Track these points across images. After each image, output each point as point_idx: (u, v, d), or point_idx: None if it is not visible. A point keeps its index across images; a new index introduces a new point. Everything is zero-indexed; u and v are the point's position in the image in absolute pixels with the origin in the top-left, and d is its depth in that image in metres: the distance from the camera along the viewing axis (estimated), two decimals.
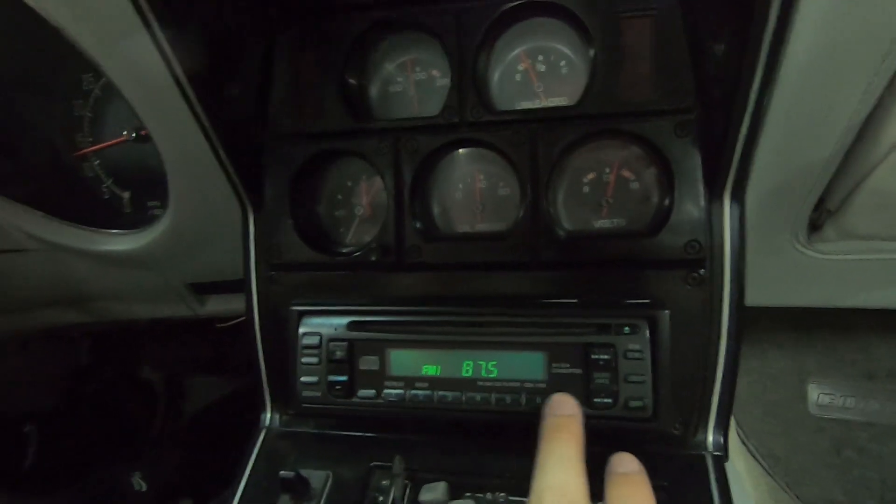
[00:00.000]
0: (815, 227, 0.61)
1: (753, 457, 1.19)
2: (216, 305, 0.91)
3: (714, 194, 0.51)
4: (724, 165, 0.49)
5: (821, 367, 1.23)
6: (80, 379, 1.19)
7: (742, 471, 1.14)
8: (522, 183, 0.55)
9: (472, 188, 0.60)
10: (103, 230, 0.73)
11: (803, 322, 1.20)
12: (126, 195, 0.78)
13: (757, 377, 1.22)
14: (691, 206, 0.51)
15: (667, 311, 0.49)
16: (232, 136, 0.56)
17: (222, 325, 1.05)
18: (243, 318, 0.69)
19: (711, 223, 0.51)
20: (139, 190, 0.77)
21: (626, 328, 0.49)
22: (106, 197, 0.79)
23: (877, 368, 1.17)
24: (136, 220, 0.76)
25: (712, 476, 0.49)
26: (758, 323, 1.17)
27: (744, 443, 1.18)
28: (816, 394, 1.21)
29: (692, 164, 0.51)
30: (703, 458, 0.51)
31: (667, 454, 0.52)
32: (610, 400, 0.49)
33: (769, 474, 1.18)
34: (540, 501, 0.35)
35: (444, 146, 0.57)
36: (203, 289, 0.88)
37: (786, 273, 0.68)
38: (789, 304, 0.75)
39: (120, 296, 0.87)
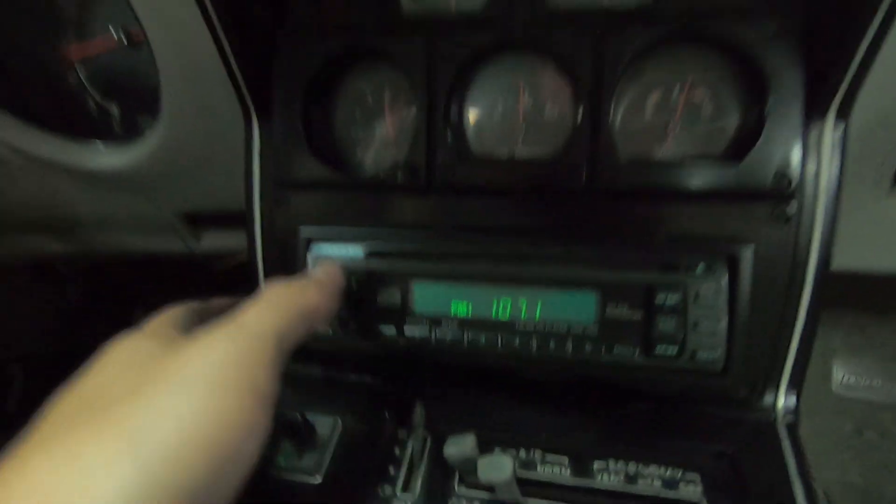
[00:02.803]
0: None
1: None
2: (214, 241, 0.83)
3: (814, 116, 0.42)
4: (833, 80, 0.40)
5: (848, 347, 1.18)
6: (68, 318, 1.13)
7: None
8: (580, 96, 0.46)
9: (514, 106, 0.51)
10: (89, 144, 0.65)
11: (832, 299, 1.13)
12: (115, 109, 0.70)
13: None
14: (785, 129, 0.42)
15: (751, 249, 0.41)
16: (240, 26, 0.48)
17: (222, 266, 0.98)
18: (244, 260, 0.62)
19: (807, 150, 0.43)
20: (129, 104, 0.69)
21: (700, 267, 0.42)
22: (93, 111, 0.70)
23: None
24: (126, 137, 0.68)
25: (786, 444, 0.42)
26: None
27: None
28: (842, 373, 1.16)
29: (791, 77, 0.42)
30: (772, 423, 0.44)
31: (728, 417, 0.45)
32: (675, 350, 0.42)
33: None
34: None
35: (487, 49, 0.48)
36: (200, 221, 0.80)
37: (859, 230, 0.60)
38: (856, 268, 0.67)
39: (108, 224, 0.79)
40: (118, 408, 0.27)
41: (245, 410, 0.28)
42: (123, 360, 0.31)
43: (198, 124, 0.57)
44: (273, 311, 0.34)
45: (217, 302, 0.47)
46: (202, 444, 0.26)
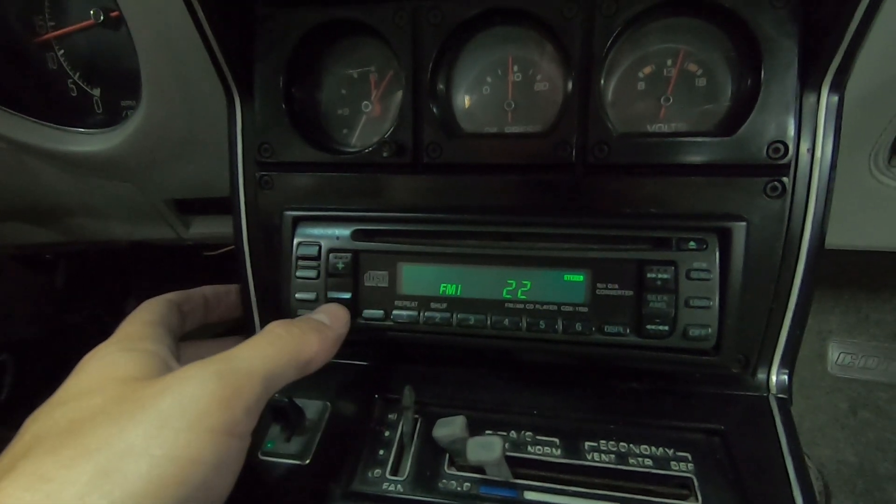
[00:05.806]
0: None
1: None
2: (203, 228, 0.82)
3: (809, 85, 0.41)
4: (829, 48, 0.39)
5: (844, 327, 1.18)
6: (59, 307, 1.11)
7: None
8: (570, 67, 0.45)
9: (502, 81, 0.50)
10: (70, 128, 0.63)
11: (828, 278, 1.13)
12: (96, 93, 0.68)
13: None
14: (779, 100, 0.41)
15: (743, 224, 0.41)
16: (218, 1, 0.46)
17: (210, 253, 0.97)
18: (233, 248, 0.61)
19: (801, 122, 0.42)
20: (111, 87, 0.67)
21: (692, 243, 0.41)
22: (73, 94, 0.68)
23: None
24: (108, 122, 0.66)
25: (779, 420, 0.42)
26: None
27: None
28: (837, 353, 1.17)
29: (786, 44, 0.41)
30: (764, 400, 0.44)
31: (721, 395, 0.44)
32: (666, 327, 0.41)
33: None
34: None
35: (474, 19, 0.46)
36: (188, 208, 0.79)
37: (853, 205, 0.59)
38: (851, 245, 0.66)
39: (93, 211, 0.78)
40: (91, 436, 0.27)
41: (218, 449, 0.28)
42: (99, 379, 0.31)
43: (179, 106, 0.56)
44: (268, 352, 0.34)
45: (199, 291, 0.46)
46: (172, 482, 0.26)
